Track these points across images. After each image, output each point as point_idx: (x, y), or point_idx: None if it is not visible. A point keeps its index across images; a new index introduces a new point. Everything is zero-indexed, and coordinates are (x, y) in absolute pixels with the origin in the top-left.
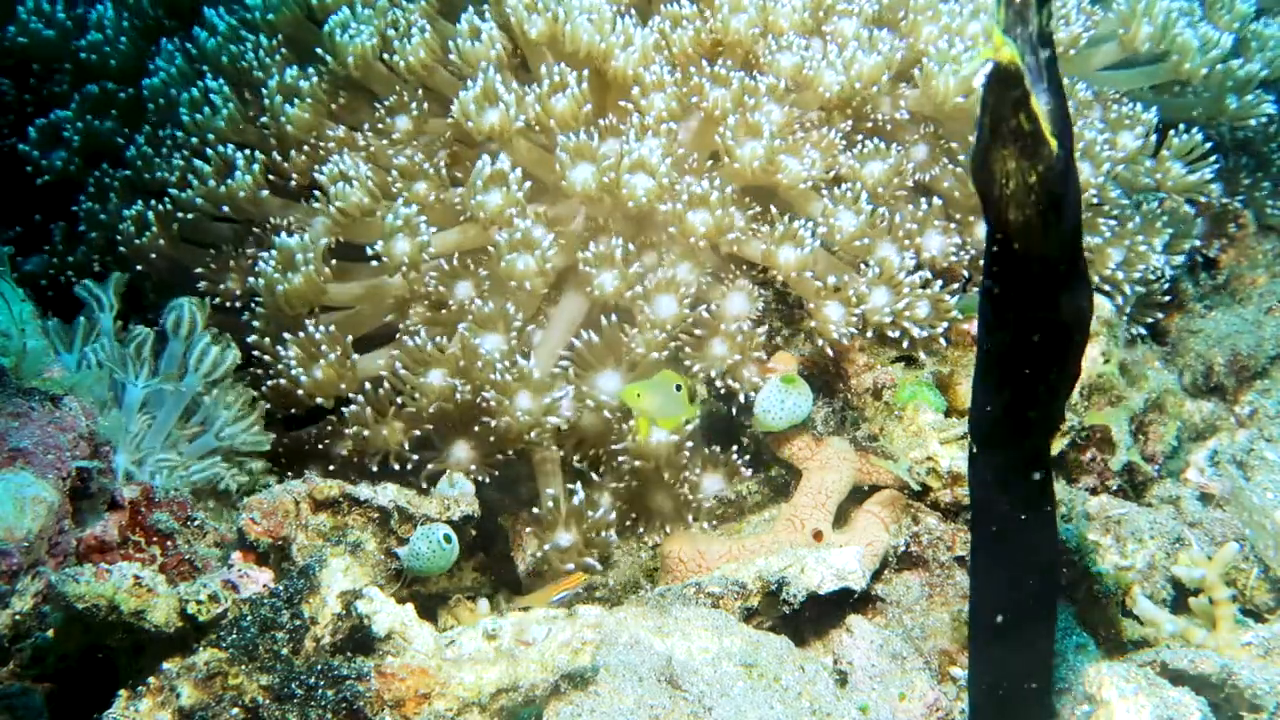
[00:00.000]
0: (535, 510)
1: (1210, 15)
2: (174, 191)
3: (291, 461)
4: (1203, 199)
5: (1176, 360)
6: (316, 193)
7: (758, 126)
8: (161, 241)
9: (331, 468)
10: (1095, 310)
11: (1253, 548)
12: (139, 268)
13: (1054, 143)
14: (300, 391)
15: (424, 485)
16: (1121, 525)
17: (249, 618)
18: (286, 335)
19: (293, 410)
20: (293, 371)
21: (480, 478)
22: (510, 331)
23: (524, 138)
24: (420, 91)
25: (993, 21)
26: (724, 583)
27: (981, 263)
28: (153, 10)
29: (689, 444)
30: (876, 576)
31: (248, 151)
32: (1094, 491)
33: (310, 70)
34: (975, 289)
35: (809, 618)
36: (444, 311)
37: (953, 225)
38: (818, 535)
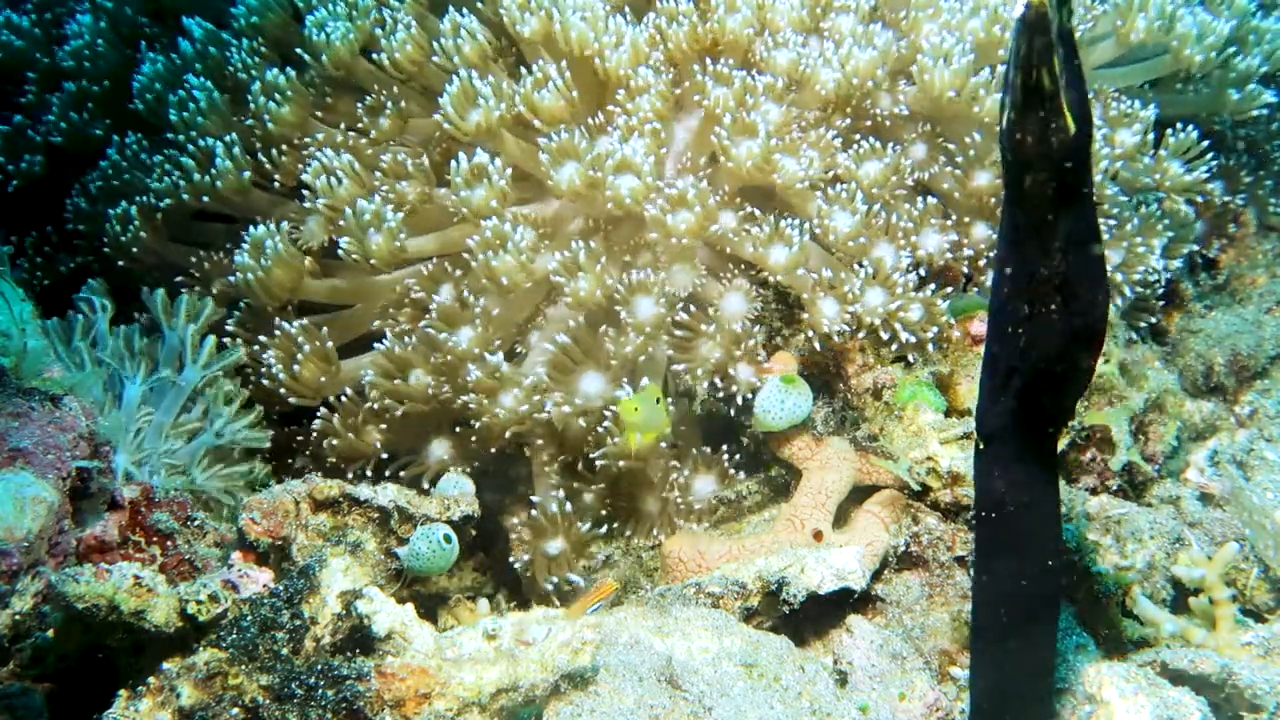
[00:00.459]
0: (533, 513)
1: (1211, 10)
2: (156, 185)
3: (284, 461)
4: (1200, 199)
5: (1176, 360)
6: (306, 191)
7: (753, 126)
8: (144, 235)
9: (325, 467)
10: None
11: (1253, 548)
12: (121, 264)
13: (1070, 118)
14: (282, 390)
15: (425, 485)
16: (1121, 525)
17: (249, 618)
18: (263, 338)
19: (277, 408)
20: (273, 369)
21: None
22: (483, 326)
23: (513, 134)
24: (396, 89)
25: None
26: (724, 583)
27: (981, 263)
28: (134, 16)
29: (679, 443)
30: (876, 576)
31: (229, 138)
32: (1094, 491)
33: (292, 71)
34: (974, 290)
35: (809, 618)
36: (427, 314)
37: (949, 223)
38: (818, 535)
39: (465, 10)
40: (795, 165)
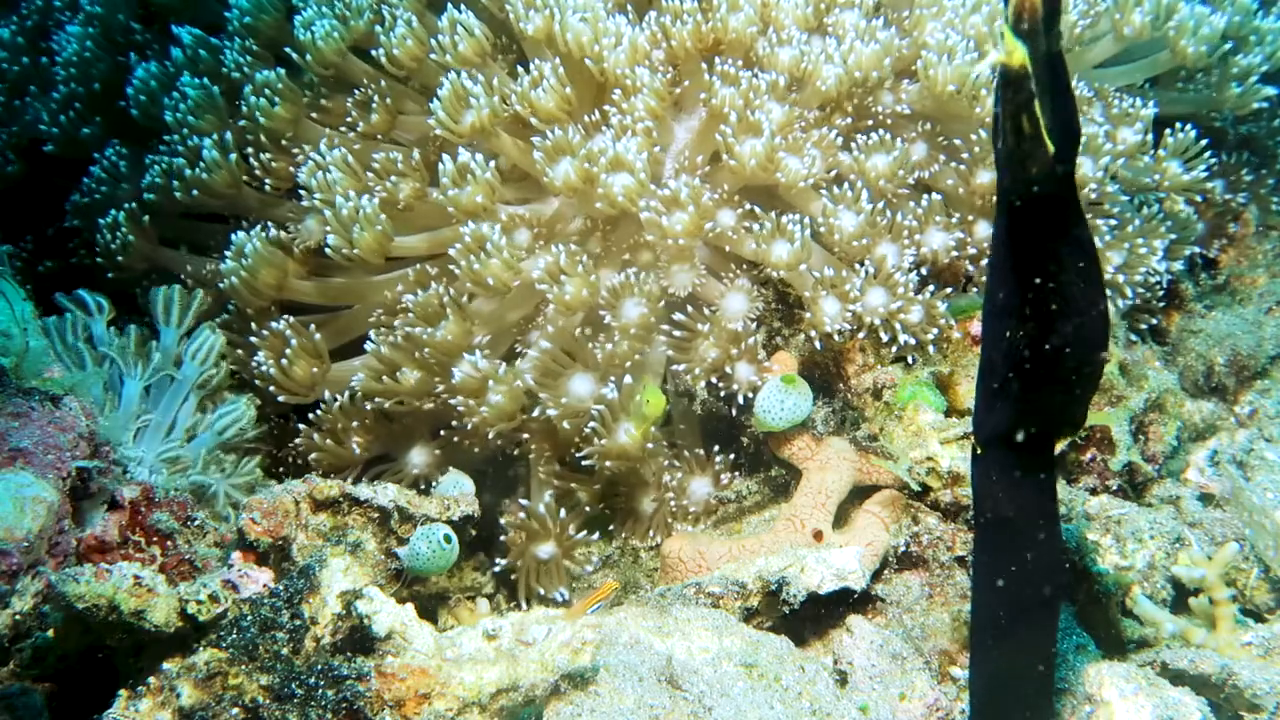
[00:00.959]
0: (521, 516)
1: (1213, 5)
2: (147, 182)
3: (284, 459)
4: (1200, 199)
5: (1177, 360)
6: (303, 191)
7: (758, 125)
8: (133, 239)
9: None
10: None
11: (1253, 548)
12: (112, 275)
13: (1050, 146)
14: (272, 389)
15: (424, 486)
16: (1121, 525)
17: (249, 618)
18: (252, 339)
19: (272, 415)
20: (263, 367)
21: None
22: (457, 319)
23: (510, 133)
24: (384, 83)
25: (1004, 24)
26: (724, 583)
27: (983, 262)
28: (125, 22)
29: (678, 443)
30: (876, 576)
31: (215, 136)
32: (1094, 491)
33: (284, 70)
34: (974, 290)
35: (809, 618)
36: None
37: (954, 220)
38: (818, 535)
39: (463, 6)
40: (798, 164)
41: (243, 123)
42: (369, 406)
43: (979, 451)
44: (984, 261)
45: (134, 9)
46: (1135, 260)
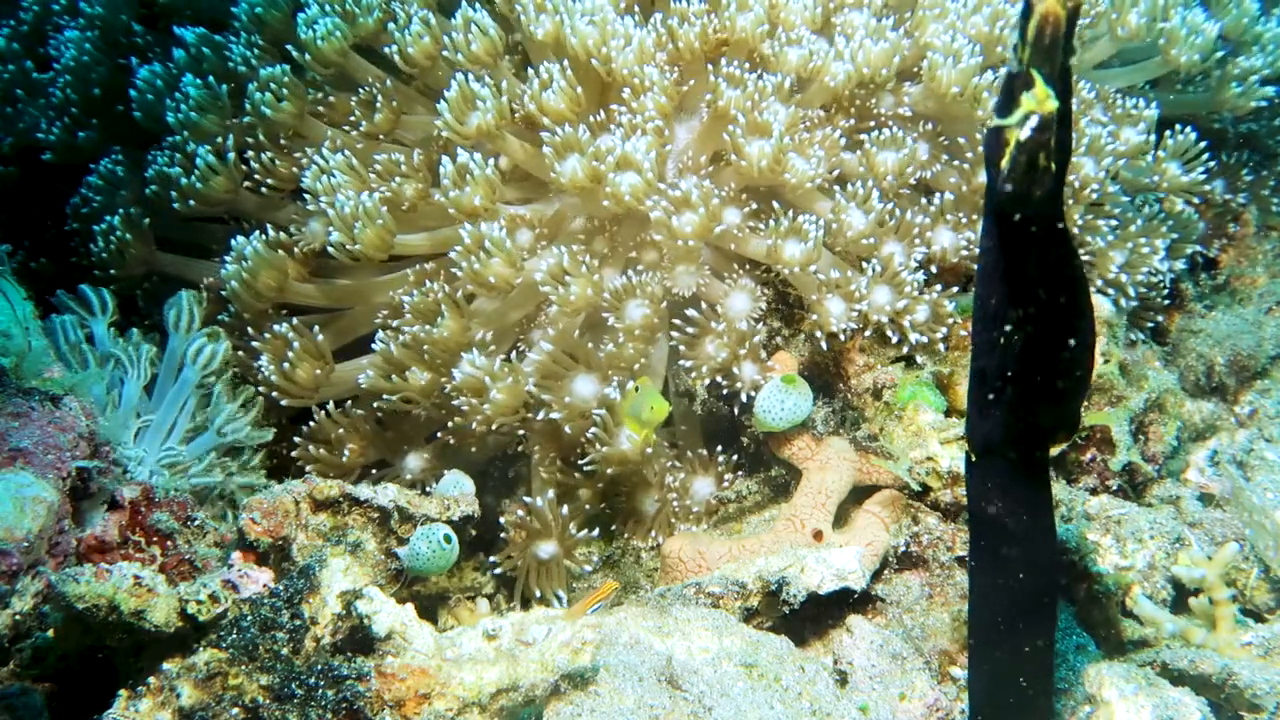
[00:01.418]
0: (519, 514)
1: (1214, 12)
2: (149, 187)
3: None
4: (1196, 200)
5: (1177, 360)
6: (308, 195)
7: (767, 126)
8: (130, 239)
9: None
10: (1095, 310)
11: (1253, 548)
12: (114, 284)
13: (1054, 168)
14: (274, 393)
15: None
16: (1121, 525)
17: (249, 618)
18: (254, 342)
19: (276, 417)
20: (265, 371)
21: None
22: (453, 315)
23: (516, 135)
24: (389, 83)
25: (1035, 73)
26: (724, 583)
27: None
28: (127, 22)
29: (679, 444)
30: (876, 576)
31: (218, 140)
32: (1094, 491)
33: (289, 67)
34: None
35: (809, 618)
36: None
37: (963, 220)
38: (818, 535)
39: (478, 5)
40: (804, 165)
41: (246, 119)
42: (362, 413)
43: (973, 458)
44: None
45: (135, 10)
46: (1138, 260)
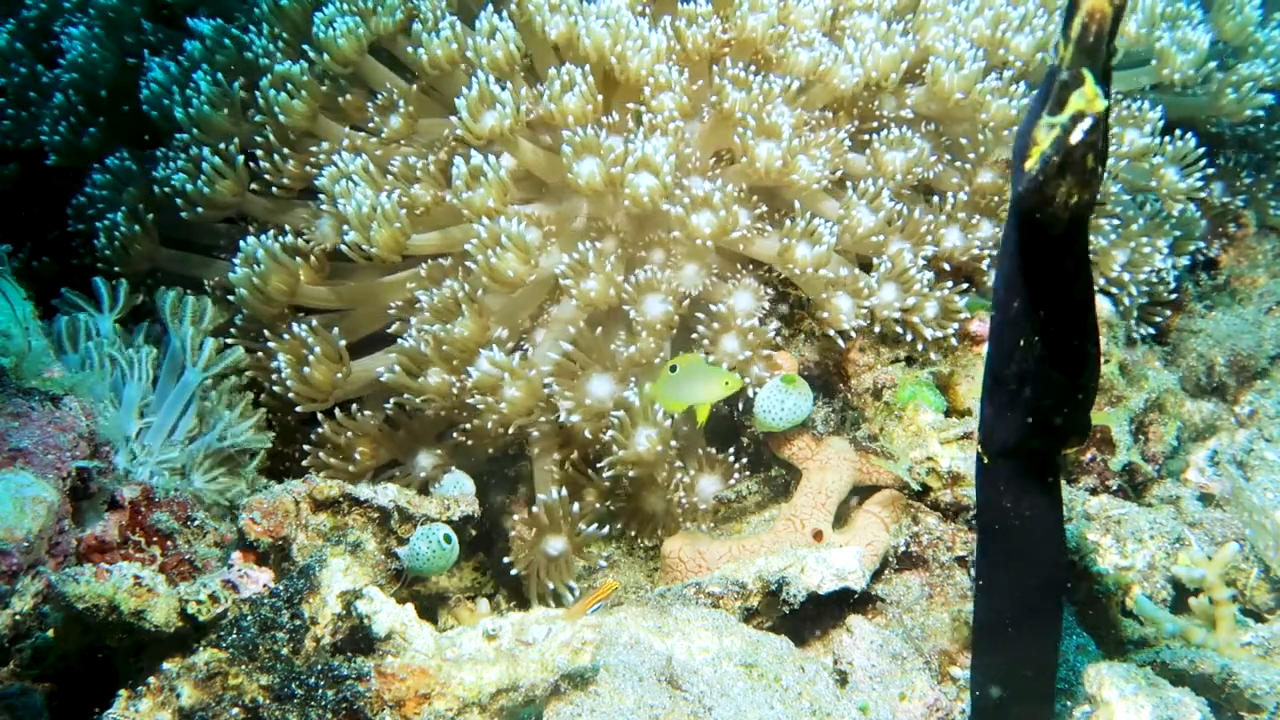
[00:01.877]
0: (533, 510)
1: (1215, 18)
2: (157, 184)
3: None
4: (1193, 206)
5: (1177, 360)
6: (322, 196)
7: (777, 128)
8: (137, 233)
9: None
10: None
11: (1253, 548)
12: (118, 270)
13: (1101, 173)
14: (291, 395)
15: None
16: (1121, 525)
17: (249, 618)
18: (271, 342)
19: (289, 419)
20: (283, 374)
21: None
22: (474, 315)
23: (527, 139)
24: (414, 88)
25: (1086, 72)
26: (724, 583)
27: (985, 263)
28: (137, 17)
29: (684, 443)
30: (876, 576)
31: (224, 144)
32: (1094, 491)
33: (305, 64)
34: (974, 291)
35: (809, 618)
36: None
37: (971, 220)
38: (818, 535)
39: (503, 14)
40: (810, 166)
41: (259, 117)
42: (371, 414)
43: (986, 461)
44: (985, 262)
45: (146, 5)
46: (1140, 260)
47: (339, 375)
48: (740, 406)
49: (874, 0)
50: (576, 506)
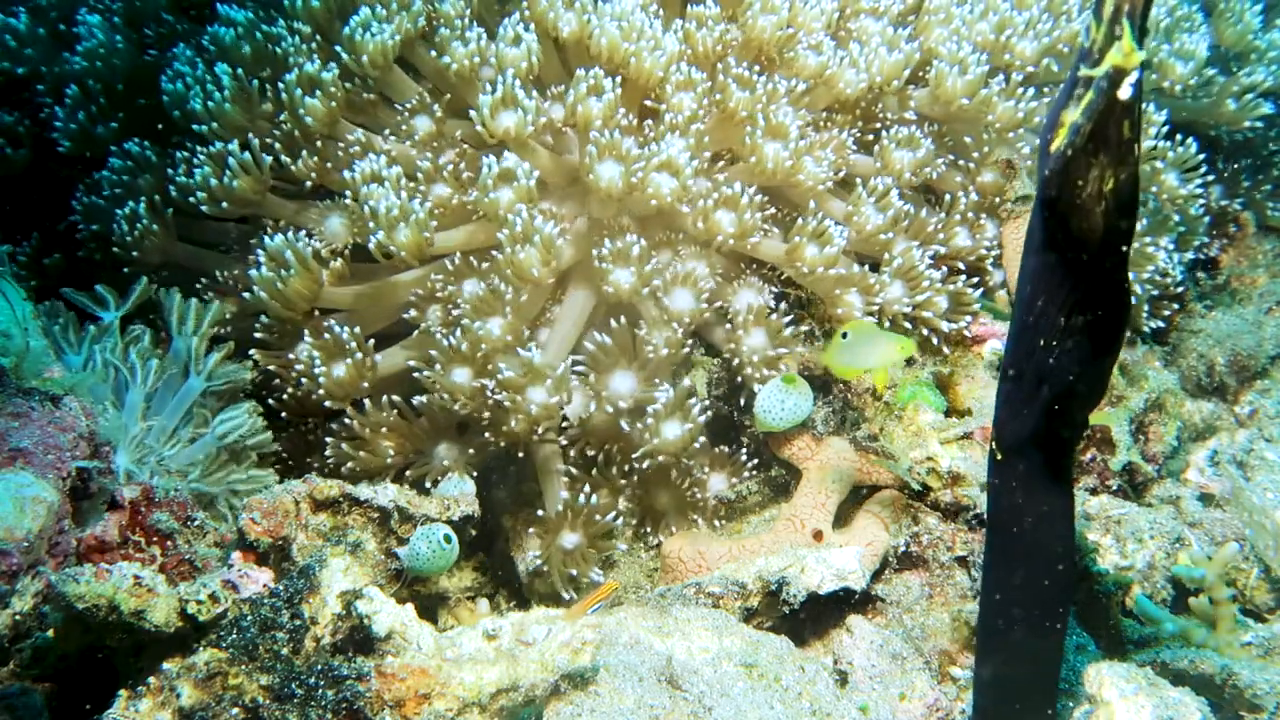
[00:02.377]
0: (540, 511)
1: (1216, 25)
2: (178, 179)
3: (301, 461)
4: (1192, 210)
5: (1177, 360)
6: (346, 194)
7: (784, 128)
8: (155, 228)
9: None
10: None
11: (1253, 548)
12: (127, 270)
13: (1139, 150)
14: (320, 392)
15: (427, 485)
16: (1121, 525)
17: (249, 618)
18: (309, 339)
19: (305, 418)
20: (315, 371)
21: (471, 474)
22: (514, 315)
23: (541, 144)
24: (446, 96)
25: (1118, 27)
26: (724, 583)
27: (989, 262)
28: (156, 8)
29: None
30: (876, 576)
31: (247, 138)
32: (1094, 491)
33: (332, 65)
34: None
35: (809, 618)
36: (455, 311)
37: (981, 220)
38: (818, 535)
39: (530, 26)
40: (815, 166)
41: (281, 115)
42: (396, 407)
43: (999, 458)
44: (989, 262)
45: None
46: (1142, 259)
47: (365, 382)
48: (740, 406)
49: (880, 4)
50: (591, 501)
